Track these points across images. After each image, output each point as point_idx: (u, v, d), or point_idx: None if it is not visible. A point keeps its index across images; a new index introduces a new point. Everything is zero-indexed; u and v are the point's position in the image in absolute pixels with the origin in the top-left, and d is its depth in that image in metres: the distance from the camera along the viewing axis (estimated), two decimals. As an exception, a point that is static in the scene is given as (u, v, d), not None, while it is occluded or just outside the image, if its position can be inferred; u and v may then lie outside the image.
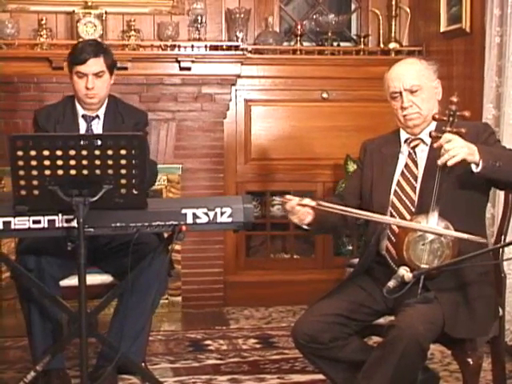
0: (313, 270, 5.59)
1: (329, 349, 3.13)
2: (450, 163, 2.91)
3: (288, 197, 3.22)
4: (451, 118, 3.03)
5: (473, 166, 2.92)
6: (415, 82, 3.18)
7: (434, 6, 5.29)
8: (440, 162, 2.94)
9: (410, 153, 3.25)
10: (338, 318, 3.13)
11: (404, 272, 2.83)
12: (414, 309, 2.92)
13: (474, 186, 3.09)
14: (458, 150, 2.89)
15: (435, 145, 3.01)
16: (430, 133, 3.08)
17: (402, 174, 3.24)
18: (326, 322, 3.12)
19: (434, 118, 3.11)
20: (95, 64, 3.89)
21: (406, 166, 3.24)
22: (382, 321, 3.24)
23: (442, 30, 5.22)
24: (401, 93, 3.20)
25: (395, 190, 3.22)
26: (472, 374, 3.03)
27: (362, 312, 3.18)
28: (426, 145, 3.21)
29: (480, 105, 4.52)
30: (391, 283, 2.83)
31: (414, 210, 3.14)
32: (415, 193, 3.17)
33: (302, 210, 3.18)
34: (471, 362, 3.01)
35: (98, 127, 3.99)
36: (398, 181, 3.23)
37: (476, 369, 3.03)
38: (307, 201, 3.18)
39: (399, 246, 3.06)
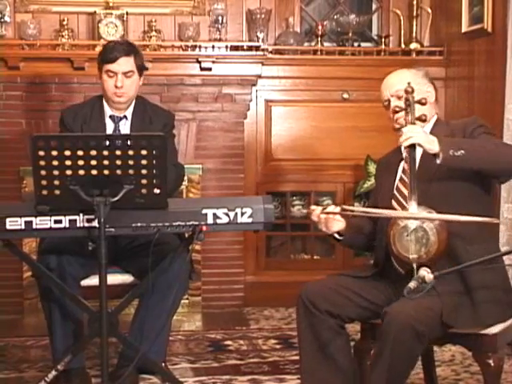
0: (333, 271, 5.53)
1: (320, 321, 3.14)
2: (405, 144, 3.03)
3: (312, 207, 3.29)
4: (408, 108, 3.14)
5: (436, 159, 2.98)
6: (400, 87, 3.24)
7: (456, 6, 5.26)
8: (399, 142, 3.06)
9: (406, 157, 3.26)
10: (347, 291, 3.17)
11: (425, 273, 2.82)
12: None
13: (461, 177, 3.12)
14: (415, 133, 3.01)
15: (403, 144, 3.10)
16: (394, 127, 3.25)
17: (400, 178, 3.28)
18: (333, 289, 3.17)
19: (393, 111, 3.24)
20: (125, 63, 3.90)
21: (403, 170, 3.28)
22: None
23: (463, 30, 5.19)
24: (389, 100, 3.30)
25: (394, 194, 3.26)
26: (493, 376, 3.02)
27: (377, 296, 3.20)
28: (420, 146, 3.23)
29: (501, 105, 4.50)
30: (412, 284, 2.81)
31: (407, 206, 3.15)
32: (407, 189, 3.19)
33: (327, 218, 3.23)
34: (492, 364, 2.99)
35: (125, 128, 4.00)
36: (397, 185, 3.28)
37: (497, 370, 3.01)
38: (331, 208, 3.23)
39: (388, 241, 3.08)
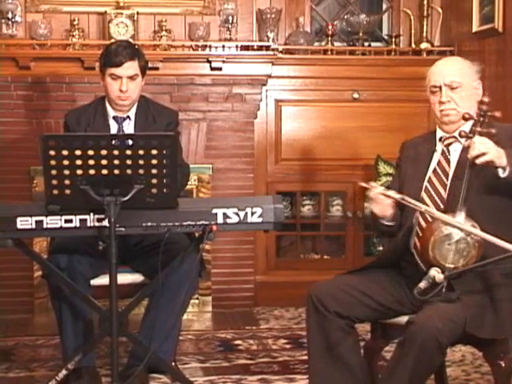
0: (343, 271, 5.54)
1: (329, 322, 3.13)
2: (479, 161, 2.90)
3: (373, 184, 3.22)
4: (482, 118, 3.02)
5: (499, 171, 2.91)
6: (456, 79, 3.19)
7: (466, 6, 5.25)
8: (470, 155, 2.93)
9: (443, 151, 3.24)
10: (355, 292, 3.17)
11: (435, 273, 2.82)
12: (434, 306, 2.91)
13: (504, 192, 3.05)
14: (489, 149, 2.89)
15: (465, 144, 3.03)
16: (460, 132, 3.08)
17: (434, 171, 3.24)
18: (341, 290, 3.17)
19: (463, 118, 3.09)
20: (130, 67, 3.89)
21: (439, 163, 3.24)
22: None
23: (474, 29, 5.18)
24: (440, 87, 3.20)
25: (426, 187, 3.22)
26: (504, 377, 3.02)
27: (385, 297, 3.19)
28: (460, 143, 3.19)
29: (512, 105, 4.50)
30: (422, 284, 2.81)
31: (442, 207, 3.14)
32: (445, 190, 3.17)
33: (385, 201, 3.18)
34: (503, 365, 3.00)
35: (129, 128, 3.99)
36: (430, 178, 3.23)
37: (508, 371, 3.01)
38: (392, 192, 3.16)
39: (425, 245, 3.04)
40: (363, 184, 3.24)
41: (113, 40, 4.93)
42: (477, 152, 2.90)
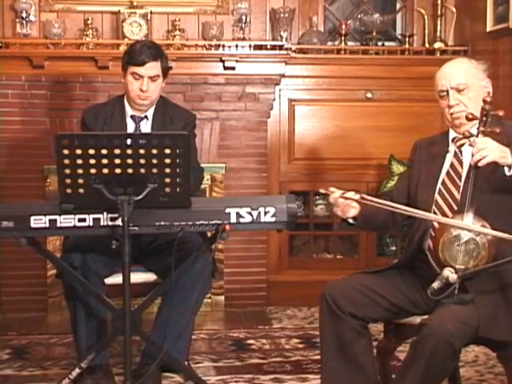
0: (356, 271, 5.53)
1: (342, 322, 3.13)
2: (480, 164, 2.91)
3: (331, 189, 3.29)
4: (484, 118, 3.02)
5: (505, 169, 2.91)
6: (462, 81, 3.18)
7: (481, 5, 5.24)
8: (472, 161, 2.95)
9: (456, 152, 3.24)
10: (369, 292, 3.16)
11: (449, 273, 2.81)
12: (447, 308, 2.89)
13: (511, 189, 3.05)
14: (490, 151, 2.89)
15: (458, 142, 3.09)
16: (464, 132, 3.09)
17: (448, 173, 3.23)
18: (355, 289, 3.16)
19: (467, 118, 3.09)
20: (153, 68, 3.90)
21: (452, 165, 3.23)
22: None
23: (488, 29, 5.17)
24: (447, 91, 3.20)
25: (439, 189, 3.21)
26: (517, 377, 3.01)
27: (399, 297, 3.18)
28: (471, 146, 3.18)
29: (526, 105, 4.48)
30: (436, 284, 2.81)
31: (456, 208, 3.12)
32: (459, 192, 3.16)
33: (345, 203, 3.25)
34: (516, 365, 2.98)
35: (146, 128, 4.00)
36: (443, 180, 3.22)
37: (521, 371, 3.00)
38: (351, 194, 3.24)
39: (436, 246, 3.04)
40: (322, 190, 3.33)
41: (126, 40, 4.95)
42: (478, 157, 2.90)
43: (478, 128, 3.01)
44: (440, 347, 2.80)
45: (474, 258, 2.94)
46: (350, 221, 3.32)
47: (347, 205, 3.25)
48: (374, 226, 3.46)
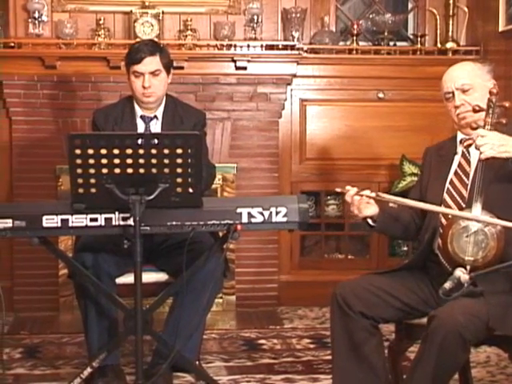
0: (367, 271, 5.52)
1: (353, 322, 3.12)
2: (482, 157, 2.95)
3: (347, 187, 3.28)
4: (491, 109, 3.05)
5: (510, 163, 2.93)
6: (466, 81, 3.22)
7: (493, 5, 5.22)
8: (481, 158, 2.98)
9: (463, 152, 3.25)
10: (380, 292, 3.16)
11: (460, 273, 2.80)
12: (456, 301, 2.88)
13: None
14: (489, 146, 2.92)
15: (465, 143, 3.11)
16: (471, 124, 3.12)
17: (455, 172, 3.25)
18: (366, 290, 3.16)
19: (474, 110, 3.12)
20: (151, 63, 3.92)
21: (460, 164, 3.26)
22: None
23: (500, 29, 5.16)
24: (453, 93, 3.24)
25: (448, 188, 3.24)
26: (529, 378, 3.00)
27: (410, 297, 3.18)
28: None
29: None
30: (447, 284, 2.80)
31: (464, 206, 3.13)
32: (466, 189, 3.17)
33: (360, 200, 3.25)
34: (528, 366, 2.98)
35: (156, 128, 4.01)
36: (451, 179, 3.25)
37: (533, 372, 3.00)
38: (366, 192, 3.24)
39: (444, 239, 3.04)
40: (338, 189, 3.32)
41: (138, 39, 4.95)
42: (481, 149, 2.93)
43: (484, 119, 3.04)
44: (450, 338, 2.80)
45: (483, 249, 2.96)
46: (370, 222, 3.32)
47: (363, 203, 3.26)
48: (395, 229, 3.43)
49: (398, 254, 5.68)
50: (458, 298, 2.88)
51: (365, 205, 3.27)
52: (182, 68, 5.13)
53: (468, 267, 2.89)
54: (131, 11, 5.26)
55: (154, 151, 3.13)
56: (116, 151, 3.11)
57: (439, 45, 5.59)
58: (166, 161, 3.15)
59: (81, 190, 3.20)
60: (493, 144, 2.92)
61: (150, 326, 3.49)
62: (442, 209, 3.15)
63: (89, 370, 3.59)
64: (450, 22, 5.63)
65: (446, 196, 3.21)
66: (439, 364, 2.85)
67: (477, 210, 2.99)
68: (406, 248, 5.66)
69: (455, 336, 2.80)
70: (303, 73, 5.46)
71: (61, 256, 3.87)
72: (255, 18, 5.31)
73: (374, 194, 3.24)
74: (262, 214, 3.37)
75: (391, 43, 5.63)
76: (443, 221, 3.17)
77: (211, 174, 4.06)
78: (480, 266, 2.93)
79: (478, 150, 2.96)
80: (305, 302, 5.46)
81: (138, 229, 3.14)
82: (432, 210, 3.16)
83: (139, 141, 3.13)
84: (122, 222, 3.30)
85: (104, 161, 3.13)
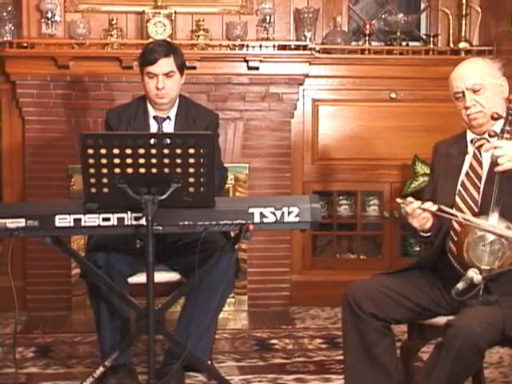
0: (379, 271, 5.50)
1: (365, 323, 3.12)
2: (501, 169, 2.92)
3: (409, 199, 3.17)
4: (510, 117, 3.02)
5: None
6: (477, 81, 3.17)
7: (506, 5, 5.21)
8: (497, 169, 2.95)
9: (474, 153, 3.22)
10: (392, 293, 3.15)
11: (473, 274, 2.80)
12: (472, 309, 2.88)
13: None
14: (507, 158, 2.90)
15: (482, 149, 3.08)
16: (489, 132, 3.08)
17: (467, 174, 3.21)
18: (378, 291, 3.15)
19: (492, 117, 3.07)
20: (165, 64, 3.92)
21: (471, 166, 3.21)
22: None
23: (513, 29, 5.15)
24: (463, 92, 3.19)
25: (459, 191, 3.20)
26: (542, 379, 2.99)
27: (422, 298, 3.17)
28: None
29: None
30: (460, 285, 2.80)
31: (477, 210, 3.11)
32: (479, 193, 3.14)
33: (422, 214, 3.14)
34: (541, 367, 2.97)
35: (169, 128, 4.01)
36: (463, 181, 3.21)
37: (546, 373, 2.99)
38: (428, 204, 3.12)
39: (460, 247, 3.03)
40: (400, 200, 3.18)
41: (151, 39, 4.96)
42: (500, 160, 2.91)
43: (502, 127, 3.00)
44: (466, 348, 2.79)
45: (500, 259, 2.94)
46: (424, 234, 3.24)
47: (425, 216, 3.15)
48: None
49: (411, 254, 5.67)
50: (474, 306, 2.87)
51: (426, 218, 3.16)
52: (194, 68, 5.13)
53: (484, 274, 2.88)
54: (144, 11, 5.26)
55: (166, 151, 3.13)
56: (128, 151, 3.12)
57: (452, 45, 5.58)
58: (179, 161, 3.15)
59: (93, 190, 3.20)
60: (511, 156, 2.90)
61: (162, 326, 3.49)
62: (506, 231, 3.00)
63: (101, 369, 3.60)
64: (463, 22, 5.62)
65: (457, 199, 3.18)
66: (454, 372, 2.84)
67: (494, 219, 2.96)
68: (418, 248, 5.64)
69: (471, 346, 2.79)
70: (315, 73, 5.46)
71: (73, 255, 3.88)
72: (267, 18, 5.31)
73: (435, 208, 3.10)
74: (274, 213, 3.36)
75: (404, 43, 5.62)
76: (455, 225, 3.14)
77: (223, 176, 4.06)
78: (495, 275, 2.93)
79: (495, 161, 2.92)
80: (317, 302, 5.46)
81: (150, 228, 3.15)
82: (493, 233, 3.00)
83: (152, 141, 3.13)
84: (134, 222, 3.31)
85: (116, 160, 3.13)
